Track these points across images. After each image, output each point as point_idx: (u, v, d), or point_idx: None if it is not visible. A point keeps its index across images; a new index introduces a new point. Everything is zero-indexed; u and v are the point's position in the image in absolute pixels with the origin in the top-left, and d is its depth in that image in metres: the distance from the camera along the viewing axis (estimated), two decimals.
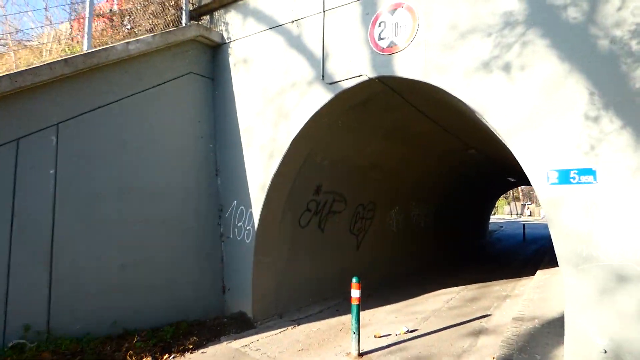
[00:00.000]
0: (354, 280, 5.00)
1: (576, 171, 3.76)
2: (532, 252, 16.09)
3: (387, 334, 5.72)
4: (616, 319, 3.56)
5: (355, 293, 4.95)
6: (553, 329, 5.48)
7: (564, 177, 3.82)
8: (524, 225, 22.06)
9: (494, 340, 5.45)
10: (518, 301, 7.62)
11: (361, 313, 7.01)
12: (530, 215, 53.46)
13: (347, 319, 6.35)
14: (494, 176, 15.08)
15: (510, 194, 52.57)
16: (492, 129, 4.79)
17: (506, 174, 14.66)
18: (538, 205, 56.17)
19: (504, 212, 57.55)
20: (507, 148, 6.18)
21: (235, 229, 6.26)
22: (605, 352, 3.64)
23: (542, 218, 49.58)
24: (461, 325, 6.13)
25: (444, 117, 7.00)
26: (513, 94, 4.17)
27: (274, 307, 6.37)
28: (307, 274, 7.21)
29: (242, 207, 6.21)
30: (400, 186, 10.19)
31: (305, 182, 6.69)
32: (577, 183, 3.75)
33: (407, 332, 5.77)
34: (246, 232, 6.09)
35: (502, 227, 31.27)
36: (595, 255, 3.65)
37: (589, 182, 3.70)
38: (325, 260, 7.75)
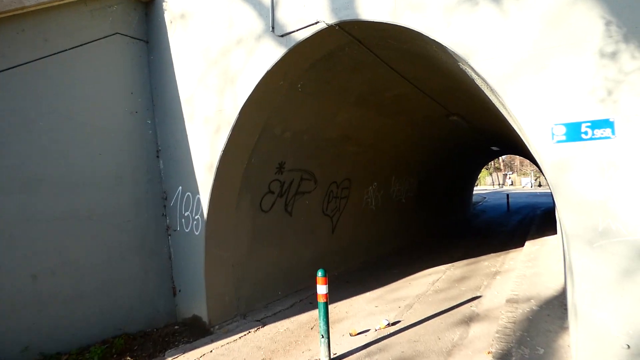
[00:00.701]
0: (319, 273, 4.13)
1: (589, 124, 2.92)
2: (517, 222, 15.65)
3: (365, 329, 4.93)
4: None
5: (322, 289, 4.09)
6: (552, 311, 4.79)
7: (574, 132, 2.98)
8: (507, 195, 21.69)
9: (487, 328, 4.72)
10: (509, 278, 6.95)
11: (338, 304, 6.26)
12: (511, 184, 53.87)
13: None
14: (477, 146, 14.38)
15: (491, 164, 52.67)
16: (479, 80, 3.90)
17: (490, 143, 13.97)
18: (519, 174, 56.67)
19: (486, 183, 57.91)
20: (496, 107, 5.35)
21: (183, 220, 5.30)
22: (629, 347, 2.90)
23: (523, 187, 49.99)
24: (449, 312, 5.39)
25: (422, 78, 6.08)
26: (506, 30, 3.26)
27: (236, 306, 5.50)
28: (275, 265, 6.34)
29: (189, 193, 5.23)
30: (379, 160, 9.33)
31: (264, 159, 5.74)
32: (591, 139, 2.92)
33: (389, 325, 4.99)
34: (195, 222, 5.13)
35: (485, 198, 31.08)
36: (615, 228, 2.85)
37: (606, 137, 2.86)
38: (296, 247, 6.89)
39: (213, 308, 5.11)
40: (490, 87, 3.60)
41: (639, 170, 2.74)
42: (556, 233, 10.65)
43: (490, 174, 57.42)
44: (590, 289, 2.98)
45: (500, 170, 58.93)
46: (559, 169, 3.06)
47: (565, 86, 3.01)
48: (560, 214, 3.08)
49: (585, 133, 2.92)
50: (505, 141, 12.47)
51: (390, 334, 4.75)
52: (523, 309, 4.93)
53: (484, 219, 17.22)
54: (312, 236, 7.38)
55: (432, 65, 5.15)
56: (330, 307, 5.88)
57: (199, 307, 5.11)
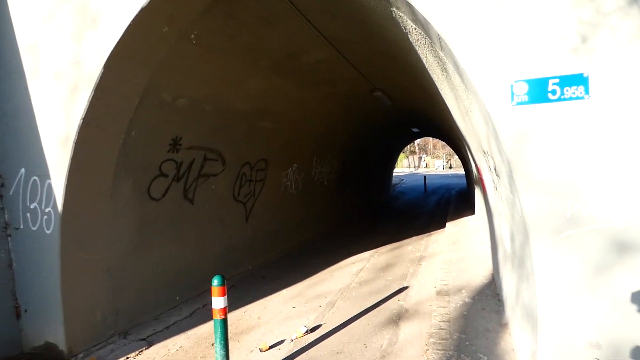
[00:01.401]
0: (215, 282, 3.16)
1: (557, 80, 2.28)
2: (435, 203, 16.03)
3: (279, 341, 4.04)
4: (615, 306, 2.28)
5: (218, 302, 3.11)
6: (486, 304, 4.36)
7: (539, 90, 2.32)
8: (424, 177, 22.39)
9: (419, 328, 4.14)
10: (435, 263, 6.59)
11: (250, 307, 5.30)
12: (426, 167, 57.16)
13: (230, 319, 4.55)
14: (398, 127, 14.23)
15: (407, 148, 55.19)
16: (416, 33, 3.12)
17: (410, 124, 13.88)
18: (433, 157, 60.31)
19: (403, 166, 60.69)
20: (427, 77, 4.71)
21: (28, 214, 3.86)
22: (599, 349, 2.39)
23: (436, 169, 53.34)
24: (376, 310, 4.75)
25: (345, 39, 5.22)
26: None
27: (112, 323, 4.24)
28: (171, 264, 5.15)
29: (36, 178, 3.81)
30: (299, 139, 8.42)
31: (151, 133, 4.47)
32: (560, 99, 2.28)
33: (307, 332, 4.18)
34: (45, 217, 3.74)
35: (403, 179, 32.17)
36: (587, 214, 2.28)
37: (578, 97, 2.24)
38: (199, 241, 5.74)
39: (75, 330, 3.81)
40: (432, 39, 2.83)
41: (618, 139, 2.16)
42: (473, 213, 10.84)
43: (407, 157, 60.30)
44: (554, 290, 2.40)
45: (416, 153, 62.21)
46: (519, 139, 2.40)
47: (528, 31, 2.32)
48: (521, 196, 2.44)
49: (553, 92, 2.28)
50: (426, 122, 12.38)
51: (308, 344, 3.92)
52: (455, 302, 4.44)
53: (404, 201, 17.43)
54: (221, 226, 6.27)
55: (358, 21, 4.30)
56: (240, 311, 4.91)
57: (53, 330, 3.77)
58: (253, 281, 6.18)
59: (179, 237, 5.31)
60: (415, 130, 15.55)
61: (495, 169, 3.49)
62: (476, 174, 7.05)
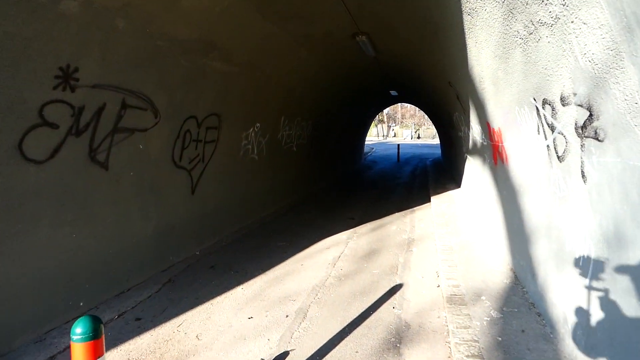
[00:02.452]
0: (78, 329, 1.59)
1: None
2: (410, 174, 14.94)
3: None
4: None
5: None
6: (525, 322, 3.11)
7: None
8: (398, 145, 21.28)
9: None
10: (429, 249, 5.37)
11: (187, 315, 3.78)
12: (394, 136, 56.49)
13: (154, 340, 3.07)
14: (376, 89, 12.74)
15: (377, 116, 54.04)
16: None
17: (390, 86, 12.42)
18: (402, 127, 59.62)
19: (372, 134, 59.79)
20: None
21: None
22: None
23: (404, 139, 52.78)
24: (364, 324, 3.42)
25: None
26: None
27: None
28: (70, 256, 3.54)
29: None
30: (263, 91, 6.75)
31: (12, 50, 2.73)
32: None
33: None
34: None
35: (373, 148, 31.08)
36: None
37: None
38: (121, 222, 4.12)
39: None
40: None
41: None
42: (459, 187, 9.74)
43: (376, 125, 59.30)
44: None
45: (384, 122, 61.27)
46: None
47: None
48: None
49: None
50: (409, 82, 10.95)
51: None
52: (479, 318, 3.17)
53: (377, 171, 16.22)
54: (156, 200, 4.66)
55: None
56: (172, 325, 3.44)
57: None
58: (198, 273, 4.69)
59: (85, 217, 3.67)
60: (393, 93, 14.12)
61: (584, 126, 2.11)
62: (481, 140, 5.76)
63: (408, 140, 48.38)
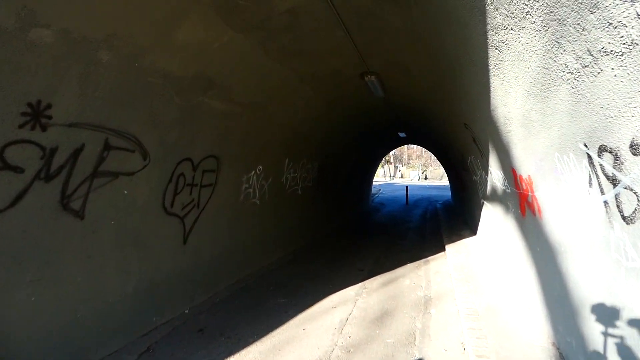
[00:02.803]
0: None
1: None
2: (420, 217, 14.31)
3: None
4: None
5: None
6: None
7: None
8: (407, 187, 20.75)
9: None
10: (450, 311, 4.69)
11: None
12: (401, 177, 56.15)
13: None
14: (384, 130, 12.44)
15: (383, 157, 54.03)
16: None
17: (399, 127, 12.12)
18: (409, 167, 59.43)
19: (378, 175, 59.59)
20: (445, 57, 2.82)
21: None
22: None
23: (411, 180, 52.35)
24: None
25: None
26: None
27: None
28: (25, 324, 2.97)
29: None
30: (266, 132, 6.38)
31: None
32: None
33: None
34: None
35: (380, 190, 30.61)
36: None
37: None
38: (95, 279, 3.57)
39: None
40: None
41: None
42: (474, 234, 9.09)
43: (382, 166, 59.21)
44: None
45: (391, 162, 61.21)
46: None
47: None
48: None
49: None
50: (418, 123, 10.62)
51: None
52: None
53: (385, 213, 15.61)
54: (139, 252, 4.12)
55: None
56: None
57: None
58: (184, 338, 4.06)
59: (50, 276, 3.13)
60: (401, 134, 13.82)
61: None
62: (502, 187, 5.23)
63: (415, 181, 47.93)
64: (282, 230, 7.97)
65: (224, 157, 5.42)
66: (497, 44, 2.97)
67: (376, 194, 25.96)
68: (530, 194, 3.96)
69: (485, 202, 7.28)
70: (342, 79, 6.42)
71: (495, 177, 5.62)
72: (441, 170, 57.62)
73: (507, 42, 2.80)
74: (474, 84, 4.19)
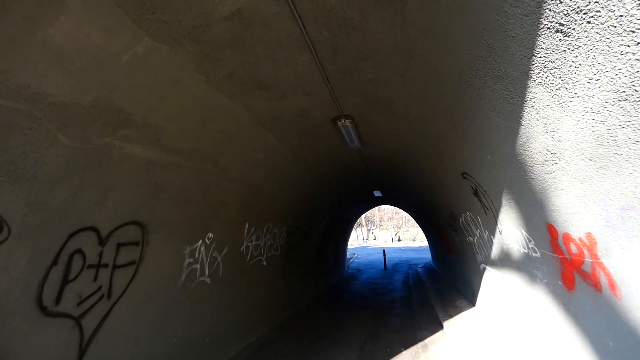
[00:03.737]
0: None
1: None
2: (403, 285, 12.83)
3: None
4: None
5: None
6: None
7: None
8: (384, 251, 19.37)
9: None
10: None
11: None
12: (375, 239, 54.87)
13: None
14: (359, 188, 11.36)
15: None
16: None
17: (375, 185, 11.09)
18: (381, 229, 58.52)
19: (351, 238, 58.09)
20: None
21: None
22: None
23: (385, 242, 51.12)
24: None
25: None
26: None
27: None
28: None
29: None
30: (217, 189, 5.03)
31: None
32: None
33: None
34: None
35: (355, 254, 29.04)
36: None
37: None
38: None
39: None
40: None
41: None
42: (472, 304, 7.71)
43: (355, 229, 58.04)
44: None
45: (363, 225, 60.20)
46: None
47: None
48: None
49: None
50: (399, 180, 9.60)
51: None
52: None
53: (364, 281, 14.01)
54: None
55: None
56: None
57: None
58: None
59: None
60: (377, 194, 12.79)
61: None
62: (523, 249, 4.03)
63: (389, 244, 46.72)
64: (242, 315, 6.29)
65: (154, 224, 3.97)
66: (557, 26, 1.89)
67: (351, 258, 24.37)
68: (588, 260, 2.74)
69: (488, 267, 6.03)
70: (311, 123, 5.32)
71: (509, 237, 4.43)
72: (414, 231, 57.00)
73: (570, 24, 1.72)
74: (492, 112, 3.12)
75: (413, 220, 58.21)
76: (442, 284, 11.38)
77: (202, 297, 5.11)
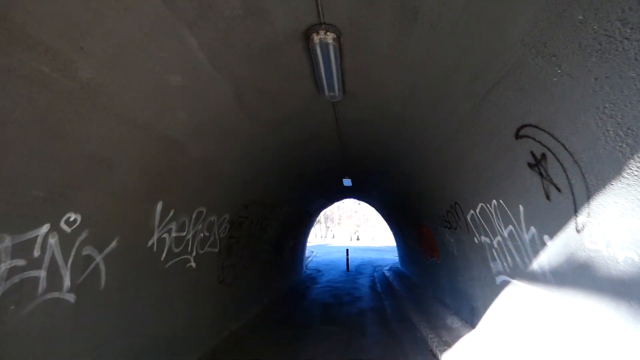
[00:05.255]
0: None
1: None
2: (371, 291, 10.94)
3: None
4: None
5: None
6: None
7: None
8: (347, 250, 17.45)
9: None
10: None
11: None
12: (333, 238, 53.31)
13: None
14: (326, 174, 9.28)
15: None
16: None
17: (346, 170, 9.07)
18: (341, 227, 57.08)
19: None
20: None
21: None
22: None
23: (341, 241, 49.66)
24: None
25: None
26: None
27: None
28: None
29: None
30: (85, 131, 2.73)
31: None
32: None
33: None
34: None
35: (313, 252, 27.07)
36: None
37: None
38: None
39: None
40: None
41: None
42: (470, 326, 5.87)
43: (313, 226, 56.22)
44: None
45: (321, 222, 58.46)
46: None
47: None
48: None
49: None
50: (375, 163, 7.62)
51: None
52: None
53: (324, 285, 11.99)
54: None
55: None
56: None
57: None
58: None
59: None
60: (347, 183, 10.76)
61: None
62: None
63: (348, 243, 45.26)
64: (148, 342, 4.00)
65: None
66: None
67: (310, 257, 22.35)
68: None
69: (515, 282, 4.16)
70: (269, 36, 3.14)
71: (608, 238, 2.52)
72: (374, 232, 56.01)
73: None
74: None
75: (373, 219, 57.13)
76: (418, 292, 9.58)
77: (56, 326, 2.81)
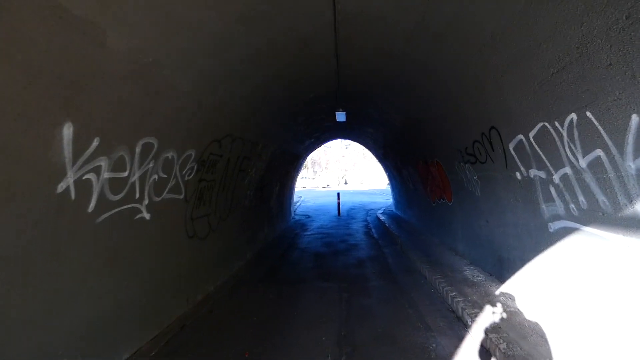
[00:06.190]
0: None
1: None
2: (367, 237, 9.96)
3: None
4: None
5: None
6: None
7: None
8: (338, 194, 16.38)
9: None
10: None
11: None
12: (325, 184, 52.65)
13: None
14: (318, 104, 7.81)
15: None
16: None
17: (340, 100, 7.61)
18: (328, 172, 56.22)
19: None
20: None
21: None
22: None
23: (328, 185, 48.95)
24: None
25: None
26: None
27: None
28: None
29: None
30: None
31: None
32: None
33: None
34: None
35: (301, 197, 26.16)
36: None
37: None
38: None
39: None
40: None
41: None
42: (499, 281, 4.82)
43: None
44: None
45: (308, 167, 57.42)
46: None
47: None
48: None
49: None
50: (371, 94, 6.16)
51: None
52: None
53: (315, 232, 10.96)
54: None
55: None
56: None
57: None
58: None
59: None
60: (340, 117, 9.30)
61: None
62: None
63: (336, 187, 44.57)
64: (127, 302, 2.79)
65: None
66: None
67: (298, 202, 21.39)
68: None
69: (594, 231, 2.98)
70: None
71: None
72: (362, 176, 55.44)
73: None
74: None
75: (360, 164, 56.29)
76: (422, 238, 8.60)
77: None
